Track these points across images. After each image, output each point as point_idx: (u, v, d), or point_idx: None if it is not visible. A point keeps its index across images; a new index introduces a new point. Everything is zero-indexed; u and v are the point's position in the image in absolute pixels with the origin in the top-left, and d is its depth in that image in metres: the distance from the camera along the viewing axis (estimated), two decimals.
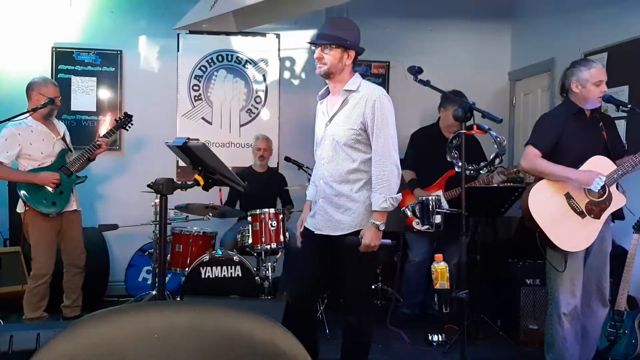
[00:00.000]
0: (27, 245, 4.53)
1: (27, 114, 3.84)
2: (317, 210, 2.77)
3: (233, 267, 3.94)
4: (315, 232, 2.76)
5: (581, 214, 2.96)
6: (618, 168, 2.96)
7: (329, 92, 2.80)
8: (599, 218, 2.97)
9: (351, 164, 2.65)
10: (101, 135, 4.20)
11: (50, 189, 3.81)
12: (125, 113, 4.42)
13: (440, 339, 3.92)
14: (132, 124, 4.42)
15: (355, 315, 2.75)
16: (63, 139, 4.03)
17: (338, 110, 2.69)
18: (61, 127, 4.09)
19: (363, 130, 2.62)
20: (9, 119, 3.82)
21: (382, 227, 2.58)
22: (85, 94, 5.22)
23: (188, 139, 2.47)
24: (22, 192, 3.79)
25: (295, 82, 5.57)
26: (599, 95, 2.96)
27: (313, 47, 2.73)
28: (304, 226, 2.88)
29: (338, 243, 2.66)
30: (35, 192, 3.79)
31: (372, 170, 2.62)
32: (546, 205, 2.97)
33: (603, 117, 3.14)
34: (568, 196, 2.97)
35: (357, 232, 2.64)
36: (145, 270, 4.92)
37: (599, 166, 2.97)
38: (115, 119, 4.40)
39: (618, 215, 3.07)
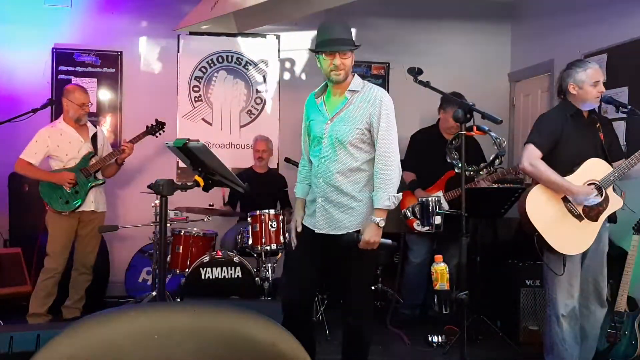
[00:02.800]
0: (30, 246, 4.56)
1: (28, 115, 3.88)
2: (316, 209, 2.75)
3: (233, 268, 3.94)
4: (315, 232, 2.75)
5: (578, 217, 2.96)
6: (614, 170, 2.96)
7: (324, 91, 2.80)
8: (596, 220, 2.96)
9: (354, 163, 2.67)
10: (127, 140, 4.25)
11: (66, 188, 3.92)
12: (157, 120, 4.49)
13: (440, 340, 3.92)
14: (163, 131, 4.51)
15: (355, 315, 2.75)
16: (94, 142, 4.12)
17: (341, 109, 2.69)
18: (92, 130, 4.18)
19: (367, 130, 2.65)
20: (9, 120, 3.84)
21: (382, 224, 2.60)
22: None
23: (188, 140, 2.47)
24: (42, 190, 3.95)
25: (295, 83, 5.58)
26: (597, 96, 2.95)
27: (325, 55, 2.62)
28: (302, 224, 2.83)
29: (339, 242, 2.66)
30: (53, 190, 3.94)
31: (376, 169, 2.65)
32: (543, 209, 2.97)
33: (600, 118, 3.13)
34: (565, 199, 2.96)
35: (358, 231, 2.65)
36: (145, 271, 4.92)
37: (595, 169, 2.97)
38: (147, 125, 4.45)
39: (611, 218, 3.07)
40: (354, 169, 2.67)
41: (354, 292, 2.74)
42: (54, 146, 3.97)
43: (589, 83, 2.94)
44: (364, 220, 2.66)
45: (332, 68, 2.62)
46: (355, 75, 2.76)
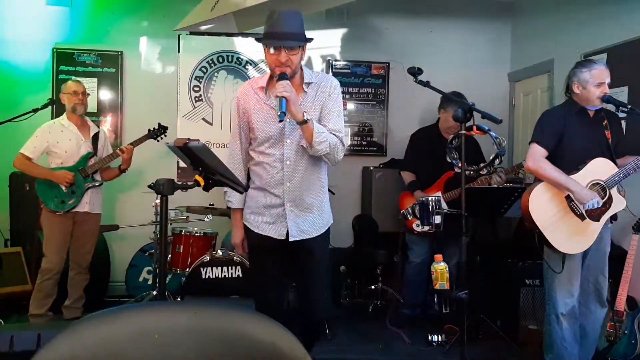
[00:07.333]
0: (30, 245, 4.57)
1: (28, 115, 3.88)
2: (282, 215, 2.52)
3: (233, 267, 3.95)
4: (288, 240, 2.51)
5: (581, 217, 2.96)
6: (619, 171, 2.95)
7: (268, 86, 2.54)
8: (598, 221, 2.97)
9: (317, 159, 2.51)
10: (128, 143, 4.23)
11: (63, 188, 3.90)
12: (159, 124, 4.43)
13: (440, 339, 3.92)
14: (165, 136, 4.43)
15: (321, 315, 2.69)
16: (94, 142, 4.09)
17: (300, 105, 2.40)
18: (94, 130, 4.16)
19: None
20: (9, 120, 3.84)
21: (306, 117, 2.32)
22: None
23: (188, 139, 2.48)
24: (38, 188, 3.93)
25: None
26: (600, 97, 2.95)
27: (273, 50, 2.38)
28: (263, 235, 2.56)
29: (311, 245, 2.54)
30: (49, 189, 3.91)
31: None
32: (546, 207, 2.97)
33: (608, 114, 3.09)
34: (568, 198, 2.97)
35: (328, 230, 2.60)
36: (145, 271, 4.92)
37: (600, 169, 2.97)
38: (149, 129, 4.40)
39: (612, 216, 3.06)
40: (318, 165, 2.54)
41: (324, 292, 2.63)
42: (53, 142, 3.93)
43: (593, 83, 2.93)
44: (330, 217, 2.62)
45: (278, 64, 2.37)
46: (304, 67, 2.56)
